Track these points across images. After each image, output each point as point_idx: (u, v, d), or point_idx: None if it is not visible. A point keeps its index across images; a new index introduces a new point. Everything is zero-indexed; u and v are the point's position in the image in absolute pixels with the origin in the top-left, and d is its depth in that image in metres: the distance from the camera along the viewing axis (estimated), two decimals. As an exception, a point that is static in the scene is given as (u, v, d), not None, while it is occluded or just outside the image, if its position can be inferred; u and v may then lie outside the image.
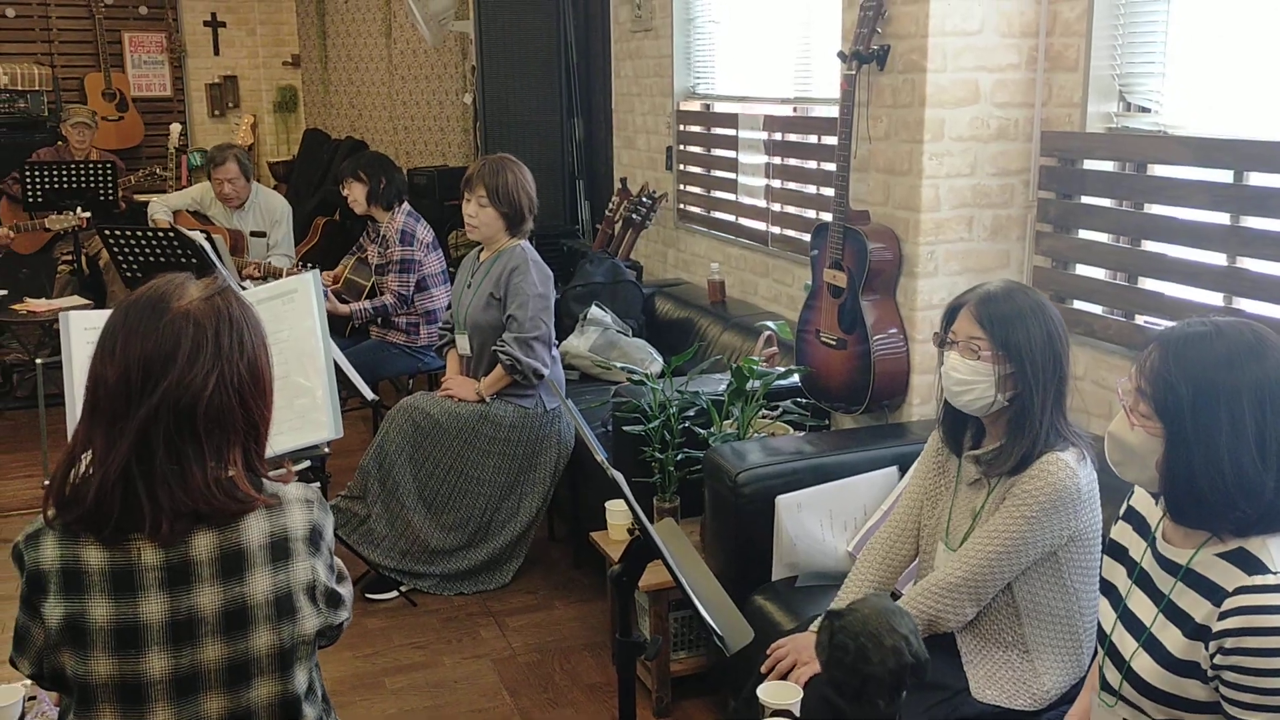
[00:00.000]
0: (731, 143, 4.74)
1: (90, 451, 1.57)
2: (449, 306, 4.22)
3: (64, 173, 6.41)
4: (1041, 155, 3.13)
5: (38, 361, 2.63)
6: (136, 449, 1.52)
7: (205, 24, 8.96)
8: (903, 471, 2.94)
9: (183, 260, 4.89)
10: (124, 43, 8.67)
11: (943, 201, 3.13)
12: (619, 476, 1.88)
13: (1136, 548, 1.80)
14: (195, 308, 1.57)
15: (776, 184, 4.45)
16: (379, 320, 4.78)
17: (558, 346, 3.92)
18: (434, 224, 4.99)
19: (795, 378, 3.40)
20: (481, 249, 3.86)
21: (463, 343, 3.81)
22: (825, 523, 2.85)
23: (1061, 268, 3.15)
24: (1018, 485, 2.15)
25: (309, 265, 5.25)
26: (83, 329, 2.53)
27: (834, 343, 3.32)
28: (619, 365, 3.84)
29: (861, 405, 3.27)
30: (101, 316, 2.54)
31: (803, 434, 3.28)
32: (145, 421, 1.52)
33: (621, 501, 3.06)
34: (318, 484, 3.40)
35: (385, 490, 3.74)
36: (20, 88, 7.95)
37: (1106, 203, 2.99)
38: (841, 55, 3.21)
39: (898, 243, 3.21)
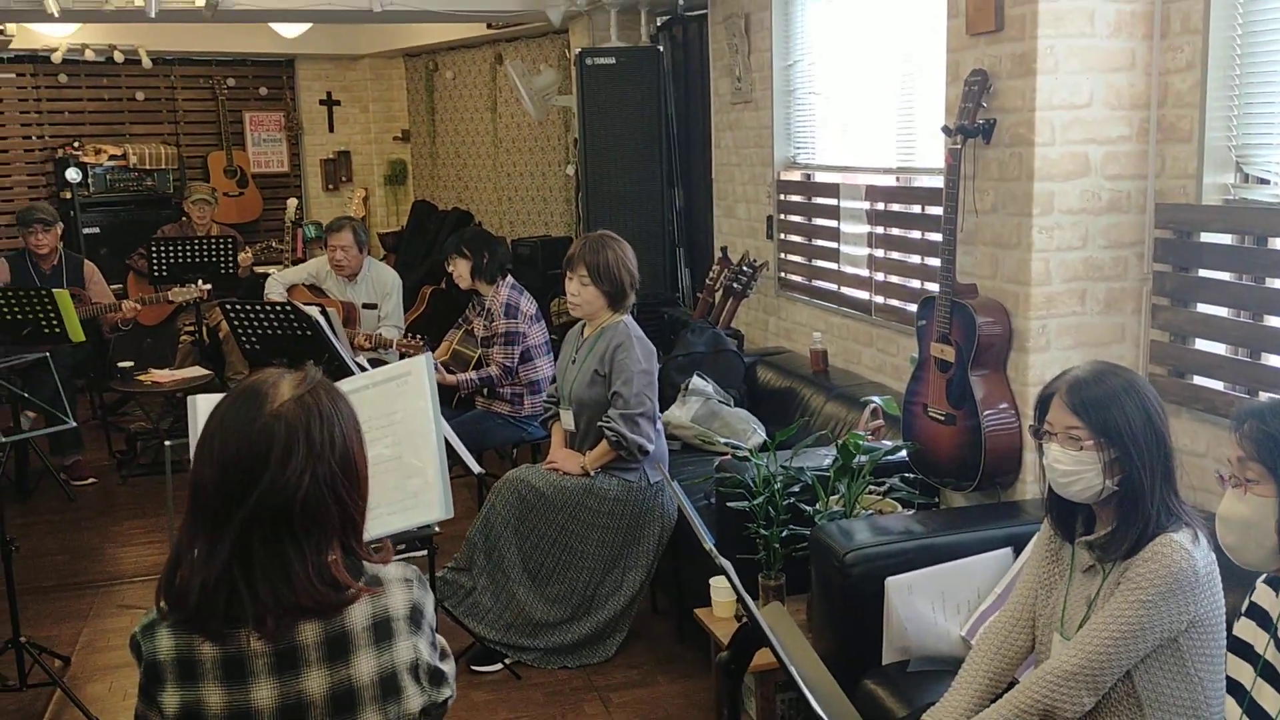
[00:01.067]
0: (833, 212, 4.74)
1: (194, 551, 1.62)
2: (553, 378, 4.27)
3: (187, 248, 6.70)
4: (1156, 228, 3.06)
5: (167, 444, 2.75)
6: (236, 551, 1.56)
7: (321, 102, 9.36)
8: (1017, 552, 2.87)
9: (298, 333, 5.07)
10: (245, 122, 9.10)
11: (1054, 275, 3.07)
12: (727, 565, 1.87)
13: (1260, 641, 1.73)
14: (286, 409, 1.60)
15: (880, 253, 4.42)
16: (484, 391, 4.86)
17: (660, 418, 3.93)
18: (537, 293, 5.09)
19: (903, 453, 3.35)
20: (584, 325, 3.91)
21: (567, 418, 3.85)
22: (937, 605, 2.79)
23: (1180, 342, 3.06)
24: (1132, 569, 2.08)
25: (418, 335, 5.39)
26: (208, 409, 2.62)
27: (942, 418, 3.27)
28: (723, 440, 3.83)
29: (973, 483, 3.20)
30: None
31: (912, 512, 3.22)
32: (243, 524, 1.56)
33: (724, 579, 3.06)
34: (425, 551, 3.47)
35: (491, 562, 3.77)
36: (148, 167, 8.38)
37: (1226, 276, 2.90)
38: (946, 130, 3.20)
39: (1007, 317, 3.16)
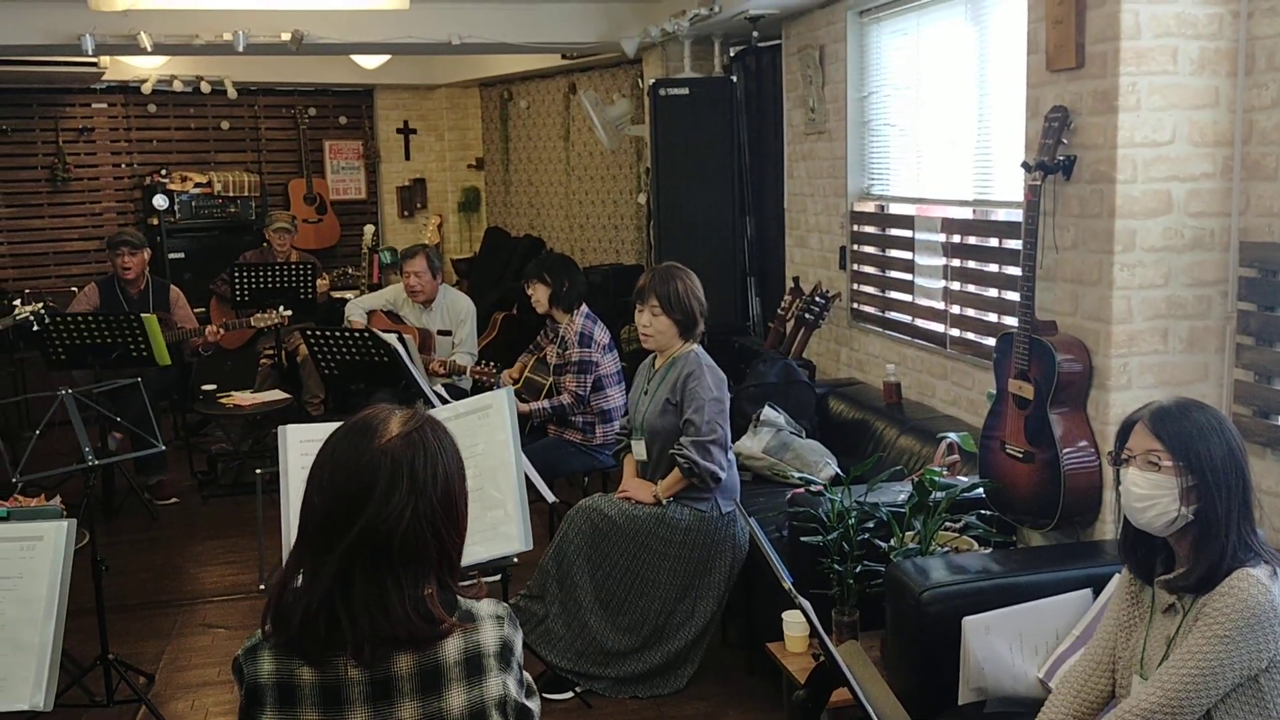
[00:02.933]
0: (908, 244, 4.72)
1: (299, 575, 1.67)
2: (625, 408, 4.30)
3: (268, 273, 6.87)
4: (1241, 266, 3.02)
5: (258, 471, 2.83)
6: (338, 579, 1.61)
7: (398, 131, 9.55)
8: (1097, 593, 2.83)
9: (376, 359, 5.17)
10: (324, 150, 9.32)
11: (1135, 313, 3.04)
12: (806, 605, 1.88)
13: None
14: (394, 444, 1.65)
15: (955, 286, 4.40)
16: (556, 418, 4.91)
17: (732, 449, 3.94)
18: (607, 320, 5.12)
19: (979, 490, 3.32)
20: (655, 356, 3.94)
21: (639, 448, 3.88)
22: (1015, 646, 2.76)
23: (1265, 382, 3.00)
24: (1209, 604, 2.06)
25: (491, 362, 5.46)
26: (299, 441, 2.71)
27: (1020, 455, 3.24)
28: (796, 475, 3.83)
29: (1051, 521, 3.16)
30: (315, 430, 2.72)
31: (988, 550, 3.19)
32: (346, 553, 1.61)
33: (799, 613, 3.05)
34: (498, 577, 3.50)
35: (563, 590, 3.81)
36: (231, 194, 8.62)
37: (1315, 315, 2.85)
38: (1026, 165, 3.18)
39: (1088, 354, 3.13)
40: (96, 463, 3.60)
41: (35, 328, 5.44)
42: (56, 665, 2.11)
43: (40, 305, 5.40)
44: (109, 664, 3.69)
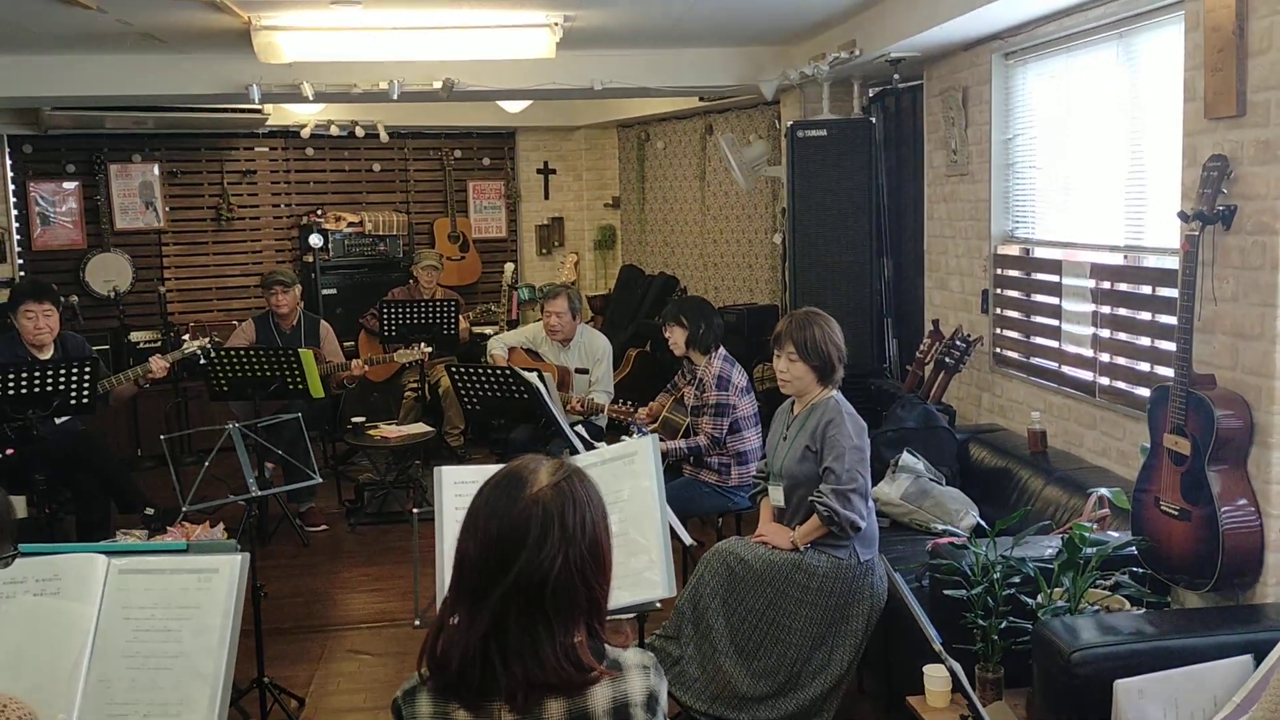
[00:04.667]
0: (1054, 289, 4.62)
1: (455, 618, 1.74)
2: (761, 451, 4.30)
3: (413, 309, 7.13)
4: None
5: (414, 510, 2.95)
6: (493, 624, 1.68)
7: (538, 171, 9.81)
8: (1259, 660, 2.71)
9: (516, 396, 5.31)
10: (468, 190, 9.63)
11: (1300, 368, 2.91)
12: (956, 667, 1.87)
13: None
14: (545, 494, 1.71)
15: (1105, 333, 4.29)
16: (692, 459, 4.94)
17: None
18: (742, 359, 5.13)
19: (1132, 548, 3.22)
20: (794, 402, 3.94)
21: (776, 494, 3.88)
22: (1170, 712, 2.66)
23: None
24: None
25: (629, 402, 5.54)
26: (453, 483, 2.80)
27: (1176, 512, 3.13)
28: (940, 526, 3.77)
29: (1209, 582, 3.04)
30: (468, 473, 2.82)
31: (1141, 611, 3.09)
32: (501, 599, 1.67)
33: (942, 667, 3.01)
34: (633, 615, 3.54)
35: (698, 633, 3.82)
36: (381, 233, 8.97)
37: None
38: (1183, 215, 3.10)
39: (1248, 410, 3.01)
40: (260, 493, 3.79)
41: (202, 361, 5.76)
42: (229, 693, 2.23)
43: (207, 340, 5.71)
44: (264, 686, 3.87)
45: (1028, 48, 4.83)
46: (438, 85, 6.30)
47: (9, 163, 8.31)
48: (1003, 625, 3.10)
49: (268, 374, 5.84)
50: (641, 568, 2.66)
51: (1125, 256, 4.22)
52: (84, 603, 2.27)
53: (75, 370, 4.89)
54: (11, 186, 8.33)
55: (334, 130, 8.66)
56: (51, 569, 2.30)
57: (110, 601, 2.28)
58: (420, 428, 6.56)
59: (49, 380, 4.83)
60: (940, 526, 3.81)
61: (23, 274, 8.27)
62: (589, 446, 4.73)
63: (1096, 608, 3.09)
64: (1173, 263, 3.67)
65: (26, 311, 5.15)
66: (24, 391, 4.78)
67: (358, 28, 5.48)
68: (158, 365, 5.37)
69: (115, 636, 2.26)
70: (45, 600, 2.27)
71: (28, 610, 2.26)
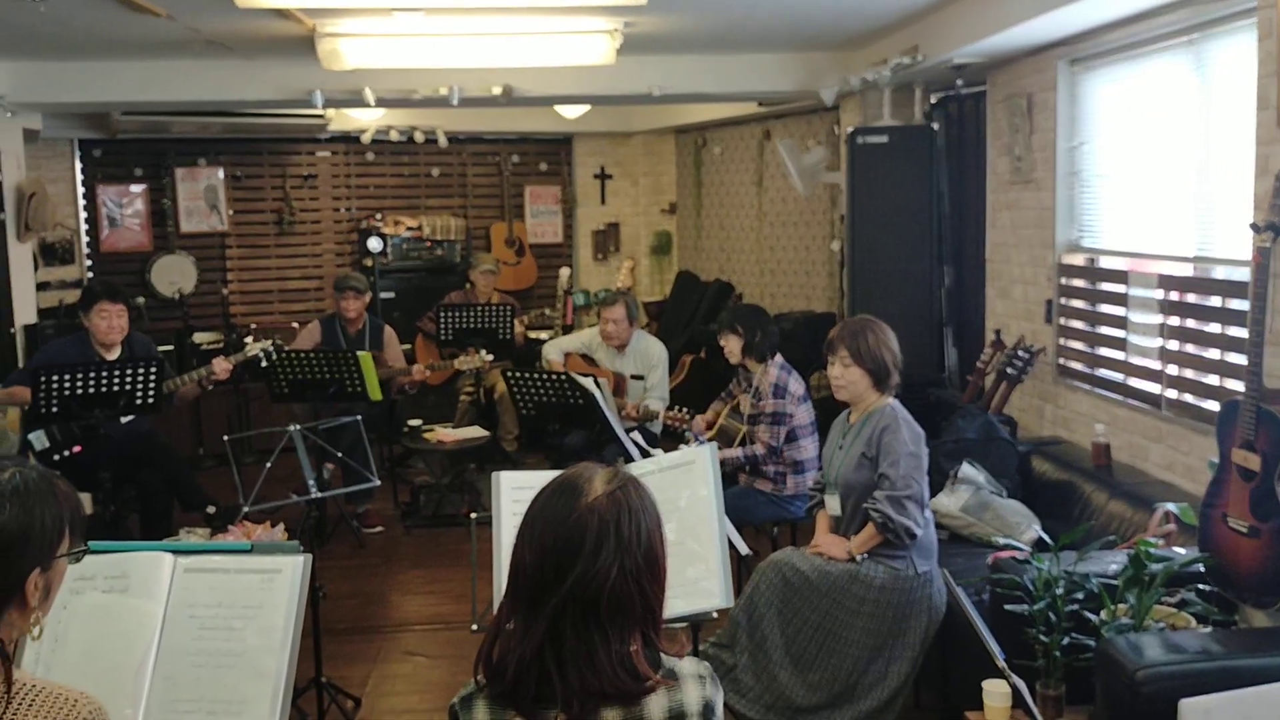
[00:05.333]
0: (1120, 299, 4.54)
1: (511, 624, 1.74)
2: (818, 458, 4.26)
3: (470, 314, 7.18)
4: None
5: (472, 516, 2.98)
6: (550, 632, 1.68)
7: (595, 176, 9.84)
8: (1333, 684, 2.63)
9: (571, 401, 5.32)
10: (525, 195, 9.69)
11: (1380, 384, 2.83)
12: (1021, 685, 1.83)
13: None
14: (600, 503, 1.71)
15: (1173, 345, 4.20)
16: (748, 468, 4.92)
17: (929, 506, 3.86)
18: (798, 367, 5.09)
19: (1199, 565, 3.14)
20: (851, 411, 3.90)
21: (833, 503, 3.85)
22: (1239, 735, 2.59)
23: None
24: None
25: (684, 409, 5.53)
26: (511, 488, 2.82)
27: (1245, 530, 3.05)
28: (1000, 540, 3.71)
29: (1277, 600, 2.96)
30: (526, 478, 2.83)
31: (1208, 629, 3.02)
32: (557, 608, 1.67)
33: (1002, 683, 2.96)
34: (687, 623, 3.53)
35: (753, 642, 3.80)
36: (438, 237, 9.06)
37: None
38: (1254, 226, 3.03)
39: (1323, 426, 2.93)
40: (320, 495, 3.83)
41: (264, 364, 5.85)
42: (290, 693, 2.26)
43: (270, 343, 5.80)
44: (321, 686, 3.91)
45: (1095, 54, 4.75)
46: (497, 91, 6.35)
47: (79, 166, 8.51)
48: (1065, 641, 3.04)
49: (327, 376, 5.91)
50: (698, 576, 2.65)
51: (1194, 267, 4.13)
52: (151, 600, 2.31)
53: (142, 370, 4.98)
54: (81, 189, 8.53)
55: (394, 135, 8.76)
56: (120, 566, 2.34)
57: (176, 600, 2.32)
58: (475, 431, 6.60)
59: (116, 380, 4.93)
60: (1001, 540, 3.75)
61: (90, 275, 8.46)
62: (644, 453, 4.73)
63: (1161, 625, 3.02)
64: (1243, 274, 3.59)
65: (101, 311, 5.26)
66: (92, 391, 4.89)
67: (419, 34, 5.54)
68: (221, 367, 5.45)
69: (180, 634, 2.30)
70: (113, 597, 2.31)
71: (96, 607, 2.30)
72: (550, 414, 5.57)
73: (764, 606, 3.79)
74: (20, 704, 1.55)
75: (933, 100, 6.37)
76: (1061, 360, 5.04)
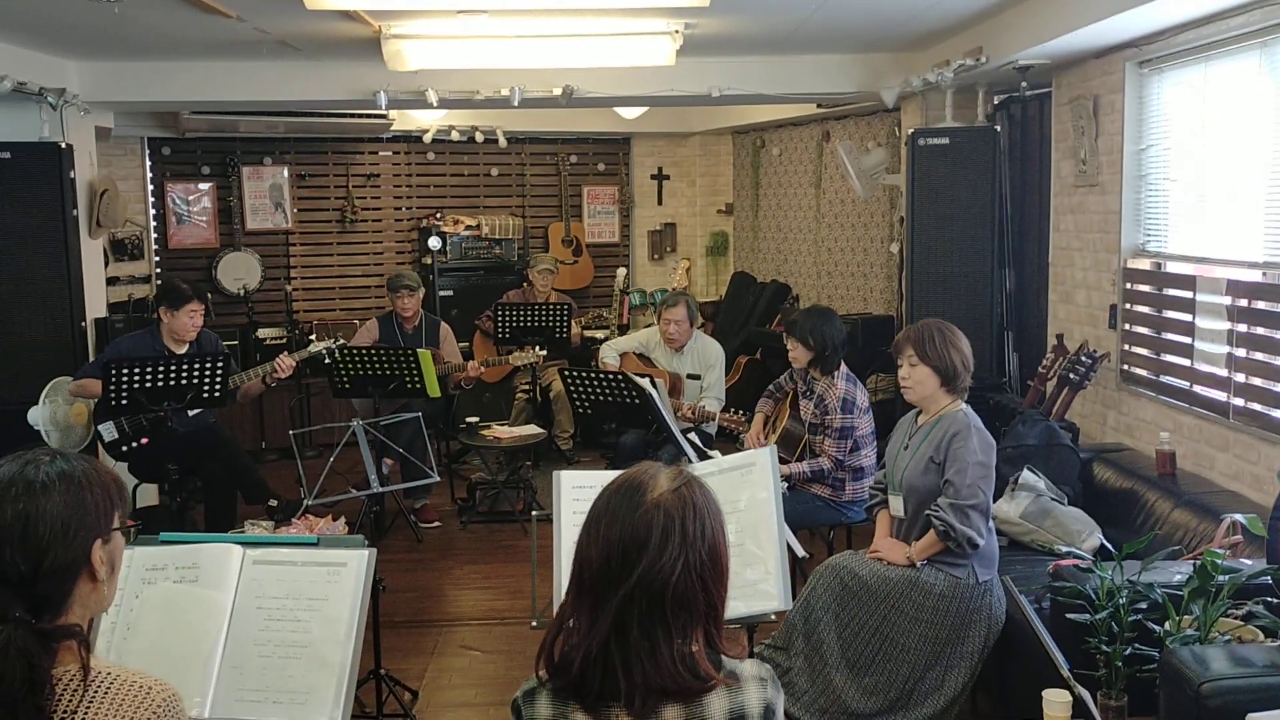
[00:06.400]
0: (1187, 305, 4.46)
1: (574, 620, 1.76)
2: (877, 464, 4.23)
3: (527, 313, 7.24)
4: None
5: (533, 513, 3.01)
6: (615, 628, 1.69)
7: (652, 177, 9.86)
8: (1407, 702, 2.57)
9: (627, 400, 5.34)
10: (583, 195, 9.73)
11: None
12: (1086, 695, 1.82)
13: None
14: (666, 500, 1.73)
15: (1241, 353, 4.12)
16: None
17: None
18: (855, 370, 5.03)
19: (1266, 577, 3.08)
20: (919, 412, 3.87)
21: (896, 504, 3.82)
22: (1308, 752, 2.54)
23: None
24: None
25: (739, 411, 5.53)
26: (571, 486, 2.84)
27: (1317, 542, 2.99)
28: (1062, 548, 3.66)
29: (1351, 617, 2.90)
30: (586, 477, 2.85)
31: (1276, 643, 2.95)
32: (622, 603, 1.69)
33: (1063, 692, 2.92)
34: (740, 625, 3.53)
35: (809, 645, 3.79)
36: (497, 236, 9.13)
37: None
38: (1332, 231, 2.96)
39: (1401, 437, 2.86)
40: (381, 489, 3.89)
41: (326, 360, 5.95)
42: (354, 684, 2.30)
43: (332, 340, 5.89)
44: (380, 678, 3.97)
45: (1164, 56, 4.67)
46: (558, 92, 6.39)
47: (148, 164, 8.70)
48: (1127, 652, 3.00)
49: (387, 373, 5.99)
50: (757, 579, 2.65)
51: (1265, 273, 4.05)
52: (220, 590, 2.37)
53: (209, 365, 5.09)
54: (150, 187, 8.72)
55: (454, 135, 8.85)
56: (191, 557, 2.40)
57: (244, 591, 2.38)
58: (531, 429, 6.65)
59: (184, 374, 5.04)
60: (1064, 548, 3.70)
61: (158, 271, 8.65)
62: (701, 453, 4.73)
63: (1227, 638, 2.97)
64: (1318, 281, 3.51)
65: (191, 310, 5.41)
66: (161, 384, 5.00)
67: (482, 36, 5.59)
68: (285, 364, 5.55)
69: (248, 625, 2.35)
70: (184, 588, 2.37)
71: (168, 596, 2.36)
72: (606, 413, 5.60)
73: (820, 610, 3.78)
74: (97, 691, 1.59)
75: (995, 101, 6.30)
76: (1125, 366, 4.96)
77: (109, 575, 1.69)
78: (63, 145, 5.99)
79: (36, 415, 5.24)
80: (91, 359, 5.89)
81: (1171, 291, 4.62)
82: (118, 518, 1.71)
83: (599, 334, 8.48)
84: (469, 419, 6.72)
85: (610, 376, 5.43)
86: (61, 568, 1.62)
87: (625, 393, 5.33)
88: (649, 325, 6.99)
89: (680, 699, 1.70)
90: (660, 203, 9.92)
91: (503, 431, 6.54)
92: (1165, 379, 4.66)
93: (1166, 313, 4.67)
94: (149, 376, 4.98)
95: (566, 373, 5.66)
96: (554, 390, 7.39)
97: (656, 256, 9.93)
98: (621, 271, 8.96)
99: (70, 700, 1.58)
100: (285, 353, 5.69)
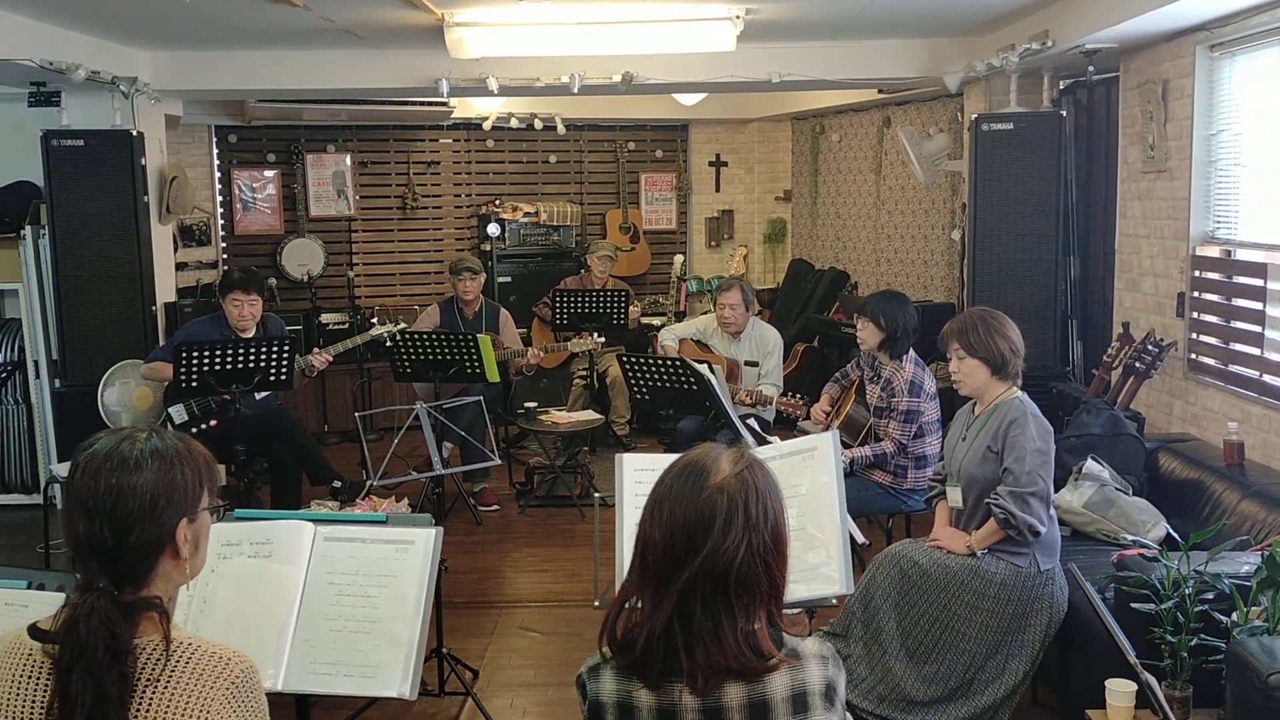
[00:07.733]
0: (1258, 293, 4.38)
1: (638, 600, 1.78)
2: (940, 456, 4.20)
3: (585, 299, 7.28)
4: None
5: (597, 495, 3.05)
6: (679, 609, 1.72)
7: (710, 164, 9.84)
8: None
9: (684, 387, 5.36)
10: (640, 182, 9.75)
11: None
12: (1153, 681, 1.81)
13: None
14: (728, 482, 1.75)
15: (1314, 342, 4.04)
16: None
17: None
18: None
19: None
20: (975, 403, 3.85)
21: (955, 495, 3.80)
22: (1381, 747, 2.50)
23: None
24: None
25: (798, 395, 5.52)
26: (633, 469, 2.88)
27: (1392, 535, 2.92)
28: (1128, 538, 3.62)
29: None
30: (648, 460, 2.88)
31: (1349, 636, 2.90)
32: (686, 585, 1.71)
33: (1127, 682, 2.90)
34: (799, 609, 3.54)
35: (868, 633, 3.79)
36: (555, 223, 9.18)
37: None
38: None
39: None
40: (443, 471, 3.95)
41: (388, 344, 6.04)
42: (421, 659, 2.36)
43: (393, 325, 5.98)
44: (443, 657, 4.03)
45: (1236, 39, 4.57)
46: (617, 79, 6.40)
47: (215, 152, 8.87)
48: (1193, 642, 2.97)
49: (448, 357, 6.07)
50: (818, 563, 2.66)
51: (1341, 260, 3.96)
52: (293, 566, 2.43)
53: (275, 348, 5.20)
54: (217, 174, 8.89)
55: (514, 123, 8.91)
56: (265, 533, 2.47)
57: (316, 566, 2.44)
58: (589, 415, 6.69)
59: (252, 357, 5.15)
60: (1129, 538, 3.66)
61: (225, 256, 8.82)
62: (759, 439, 4.73)
63: (1298, 631, 2.92)
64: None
65: (234, 299, 5.51)
66: (229, 367, 5.11)
67: (542, 23, 5.62)
68: (320, 360, 5.67)
69: (319, 600, 2.41)
70: (258, 562, 2.44)
71: (243, 571, 2.43)
72: (664, 398, 5.61)
73: (880, 598, 3.77)
74: (179, 661, 1.65)
75: (1061, 86, 6.20)
76: (1193, 355, 4.88)
77: (193, 553, 1.74)
78: (134, 133, 6.13)
79: (109, 397, 5.38)
80: (161, 343, 6.04)
81: (1242, 279, 4.54)
82: (206, 497, 1.76)
83: (655, 320, 8.50)
84: (527, 404, 6.79)
85: (668, 362, 5.45)
86: (146, 543, 1.68)
87: (683, 378, 5.35)
88: (706, 312, 6.99)
89: (742, 678, 1.72)
90: (718, 189, 9.90)
91: (560, 416, 6.59)
92: (1234, 368, 4.58)
93: (1236, 301, 4.59)
94: (218, 360, 5.09)
95: (625, 358, 5.69)
96: (610, 376, 7.43)
97: (714, 244, 9.92)
98: (679, 259, 8.96)
99: (154, 669, 1.63)
100: (317, 349, 5.80)
